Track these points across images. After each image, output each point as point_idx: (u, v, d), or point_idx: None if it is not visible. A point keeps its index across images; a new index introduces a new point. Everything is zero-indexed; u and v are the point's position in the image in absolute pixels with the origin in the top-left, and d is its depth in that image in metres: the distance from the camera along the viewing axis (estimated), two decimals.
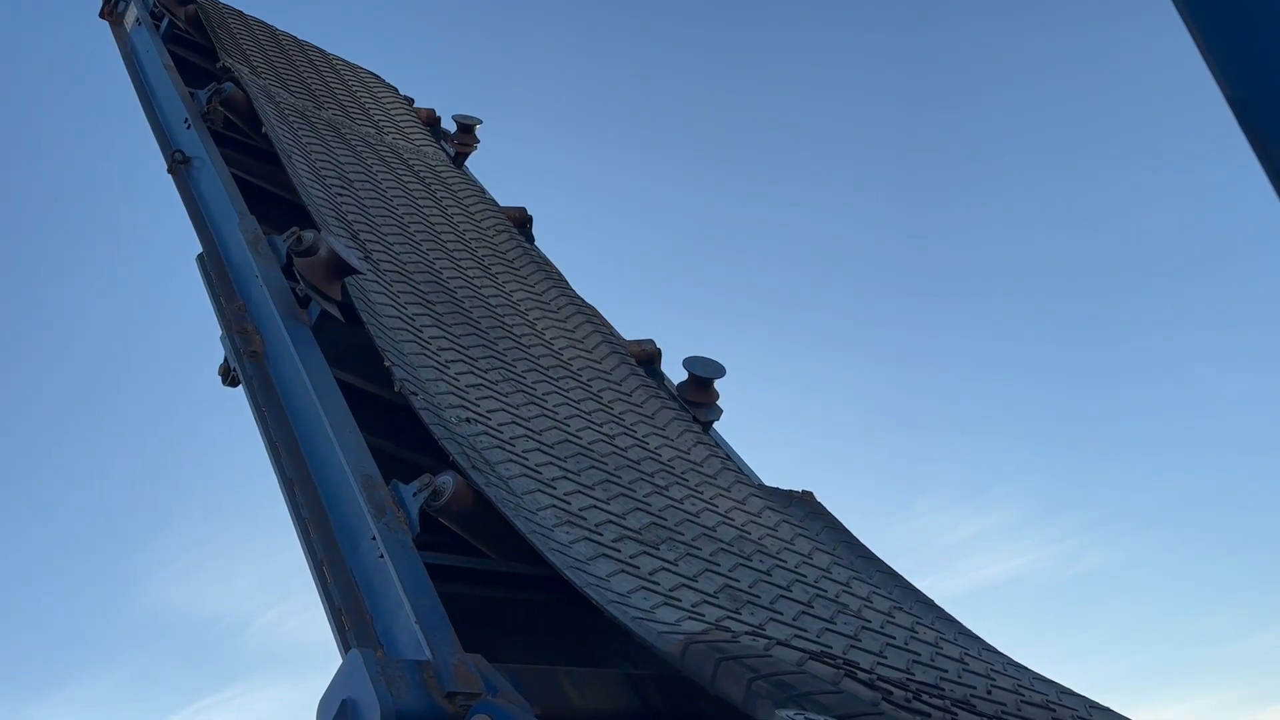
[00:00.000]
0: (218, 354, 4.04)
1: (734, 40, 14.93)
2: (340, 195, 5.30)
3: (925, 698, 3.13)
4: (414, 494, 3.05)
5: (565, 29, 15.47)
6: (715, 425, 4.74)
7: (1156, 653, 12.75)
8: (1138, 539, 13.14)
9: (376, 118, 6.97)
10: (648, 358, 4.93)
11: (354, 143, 6.22)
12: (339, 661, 2.57)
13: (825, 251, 14.30)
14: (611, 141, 15.14)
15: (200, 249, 4.47)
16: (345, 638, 2.87)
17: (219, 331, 4.03)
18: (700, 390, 4.69)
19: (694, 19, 15.10)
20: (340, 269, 3.83)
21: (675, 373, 4.96)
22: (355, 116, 6.76)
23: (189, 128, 5.24)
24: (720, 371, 4.73)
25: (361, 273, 3.98)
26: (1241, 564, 12.61)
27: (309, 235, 4.03)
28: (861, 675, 3.03)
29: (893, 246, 14.29)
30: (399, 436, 3.85)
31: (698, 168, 14.90)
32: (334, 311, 3.80)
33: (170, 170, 5.05)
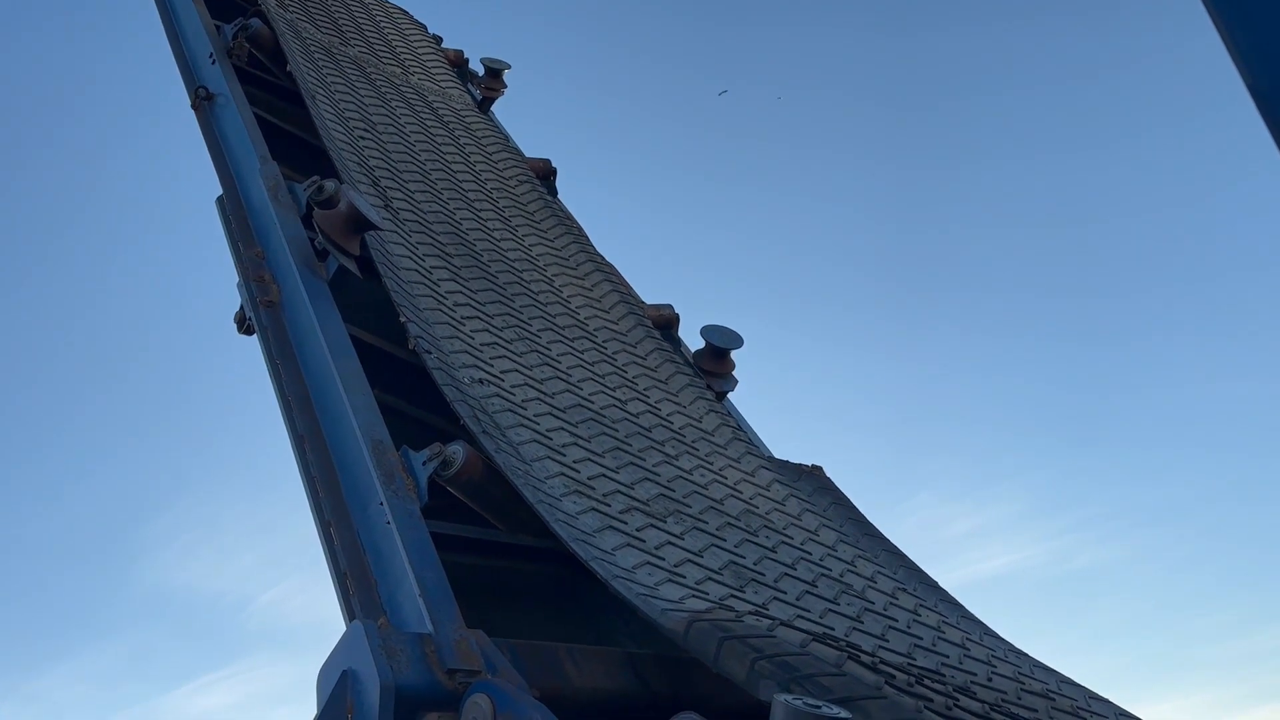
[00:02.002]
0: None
1: (772, 36, 14.81)
2: (363, 139, 5.25)
3: (927, 682, 3.14)
4: (424, 462, 3.04)
5: None
6: (729, 396, 4.72)
7: (1153, 649, 12.95)
8: (1136, 536, 13.32)
9: (403, 57, 6.89)
10: (666, 323, 4.89)
11: (379, 83, 6.16)
12: (342, 629, 2.58)
13: (838, 243, 14.30)
14: (644, 105, 15.07)
15: (220, 191, 4.44)
16: (349, 602, 2.87)
17: (236, 279, 4.02)
18: (716, 360, 4.66)
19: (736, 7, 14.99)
20: (359, 224, 3.79)
21: (692, 342, 4.92)
22: (382, 55, 6.68)
23: (214, 63, 5.19)
24: (738, 342, 4.69)
25: (380, 229, 3.94)
26: (1237, 564, 12.76)
27: (330, 185, 3.99)
28: (864, 658, 3.03)
29: (902, 241, 14.30)
30: (411, 394, 3.84)
31: (728, 152, 14.86)
32: (351, 267, 3.77)
33: (194, 106, 5.00)
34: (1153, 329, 13.31)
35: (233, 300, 4.06)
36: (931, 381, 13.55)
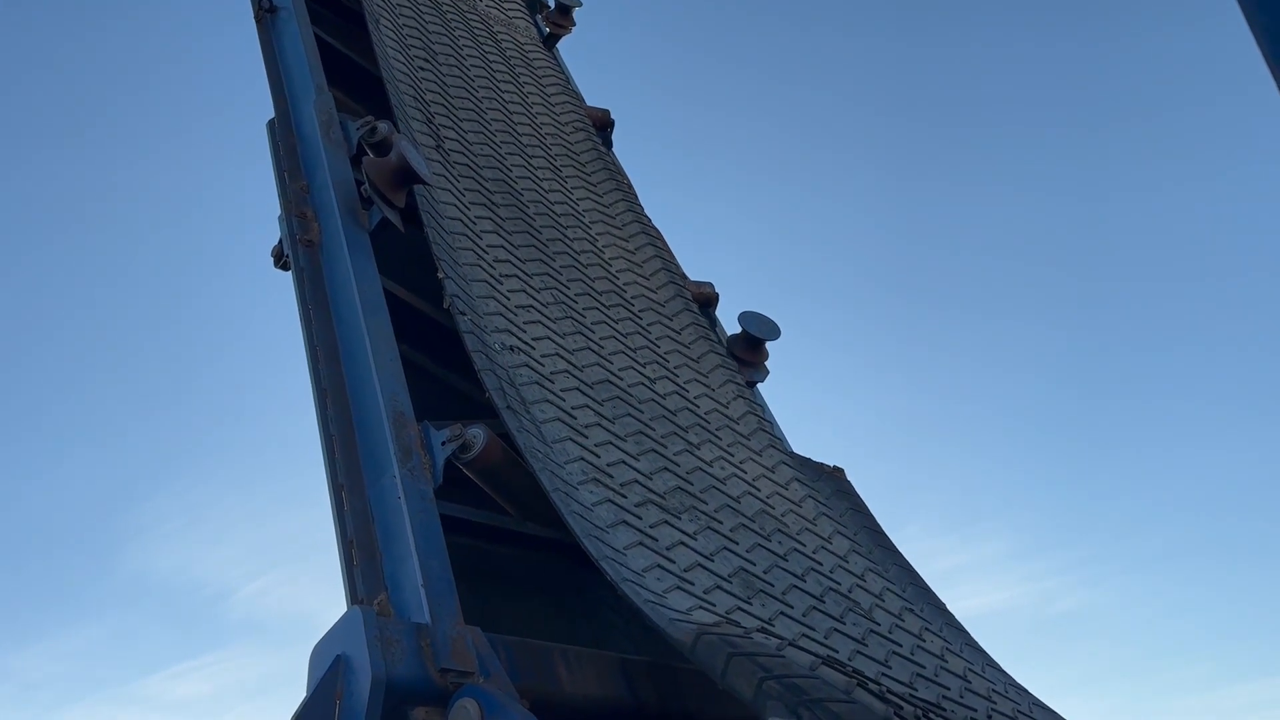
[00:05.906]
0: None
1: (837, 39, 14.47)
2: (422, 70, 5.14)
3: (933, 716, 3.11)
4: (443, 443, 2.99)
5: None
6: (758, 387, 4.63)
7: (1133, 696, 13.05)
8: (1121, 583, 13.37)
9: None
10: (705, 300, 4.79)
11: (445, 7, 6.02)
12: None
13: (870, 255, 14.12)
14: (717, 83, 14.79)
15: (272, 115, 4.35)
16: (352, 573, 2.85)
17: (278, 212, 3.95)
18: (750, 349, 4.56)
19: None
20: (408, 177, 3.70)
21: (729, 327, 4.82)
22: None
23: None
24: (775, 333, 4.58)
25: (430, 184, 3.85)
26: (1216, 617, 12.85)
27: (383, 127, 3.90)
28: (872, 686, 3.00)
29: (914, 266, 14.12)
30: (439, 354, 3.80)
31: (791, 149, 14.61)
32: (395, 220, 3.69)
33: (256, 19, 4.89)
34: (1154, 382, 13.34)
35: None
36: (928, 414, 13.55)
